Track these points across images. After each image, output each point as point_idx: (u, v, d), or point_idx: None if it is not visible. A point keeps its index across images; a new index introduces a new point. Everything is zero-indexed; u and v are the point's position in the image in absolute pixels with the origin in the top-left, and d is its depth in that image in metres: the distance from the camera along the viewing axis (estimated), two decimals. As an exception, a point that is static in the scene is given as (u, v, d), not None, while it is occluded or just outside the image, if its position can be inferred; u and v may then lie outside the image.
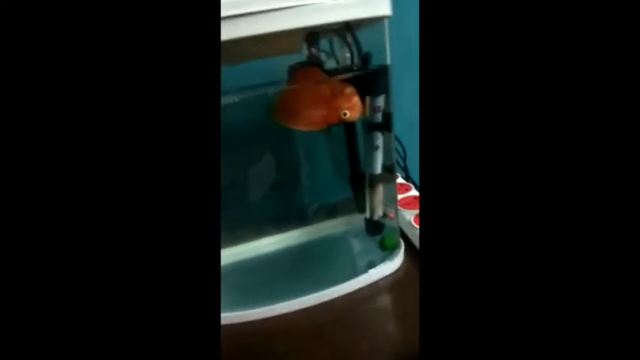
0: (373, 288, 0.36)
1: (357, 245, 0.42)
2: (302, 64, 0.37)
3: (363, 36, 0.37)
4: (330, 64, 0.40)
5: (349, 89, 0.32)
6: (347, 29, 0.36)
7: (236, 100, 0.32)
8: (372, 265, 0.38)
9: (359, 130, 0.39)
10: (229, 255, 0.40)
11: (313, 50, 0.38)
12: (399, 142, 0.55)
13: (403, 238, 0.42)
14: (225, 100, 0.31)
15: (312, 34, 0.37)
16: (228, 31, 0.26)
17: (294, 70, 0.38)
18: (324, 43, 0.40)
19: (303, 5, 0.27)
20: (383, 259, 0.38)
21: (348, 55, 0.40)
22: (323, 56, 0.40)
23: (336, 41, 0.41)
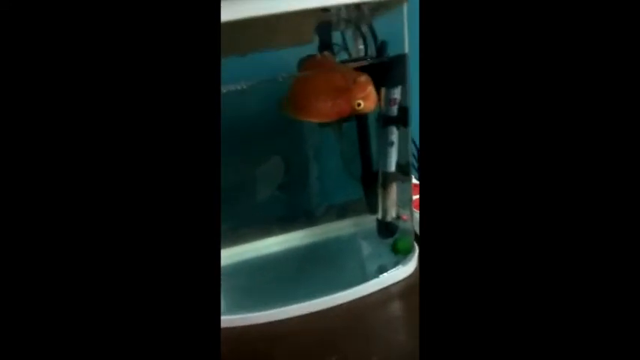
0: (384, 293, 0.35)
1: (367, 248, 0.41)
2: (313, 57, 0.36)
3: (379, 25, 0.35)
4: (343, 57, 0.38)
5: (363, 78, 0.30)
6: (362, 16, 0.34)
7: (244, 87, 0.30)
8: (383, 269, 0.36)
9: (371, 124, 0.37)
10: (232, 254, 0.39)
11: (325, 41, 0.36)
12: (412, 140, 0.53)
13: (417, 242, 0.40)
14: (233, 86, 0.30)
15: (324, 23, 0.36)
16: (235, 11, 0.25)
17: (304, 62, 0.36)
18: (336, 36, 0.39)
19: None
20: (395, 264, 0.37)
21: (361, 47, 0.38)
22: (335, 48, 0.38)
23: (349, 34, 0.39)
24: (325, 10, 0.35)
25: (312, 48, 0.37)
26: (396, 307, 0.34)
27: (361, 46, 0.38)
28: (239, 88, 0.30)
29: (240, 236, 0.41)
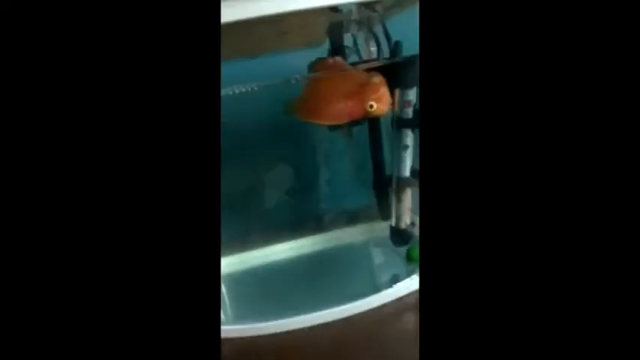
0: (398, 305, 0.33)
1: (380, 256, 0.39)
2: (324, 60, 0.35)
3: (393, 26, 0.34)
4: (354, 59, 0.37)
5: (377, 78, 0.29)
6: (374, 16, 0.33)
7: (255, 88, 0.29)
8: (397, 279, 0.35)
9: (384, 127, 0.36)
10: (239, 261, 0.38)
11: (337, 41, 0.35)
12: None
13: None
14: (243, 88, 0.29)
15: (335, 24, 0.35)
16: (243, 11, 0.24)
17: (315, 66, 0.35)
18: (348, 39, 0.38)
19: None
20: (409, 273, 0.35)
21: (374, 49, 0.37)
22: (347, 51, 0.37)
23: (361, 36, 0.38)
24: (336, 10, 0.34)
25: (322, 51, 0.36)
26: (410, 320, 0.32)
27: (373, 48, 0.37)
28: (249, 89, 0.29)
29: (247, 242, 0.40)
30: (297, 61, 0.37)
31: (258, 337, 0.31)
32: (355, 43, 0.38)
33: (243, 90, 0.29)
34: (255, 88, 0.29)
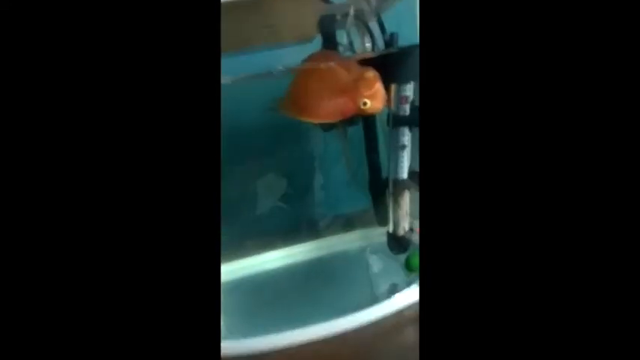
0: (398, 318, 0.31)
1: (377, 264, 0.38)
2: (316, 53, 0.33)
3: (388, 19, 0.33)
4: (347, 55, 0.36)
5: (371, 74, 0.27)
6: (368, 8, 0.31)
7: (239, 77, 0.27)
8: (395, 289, 0.33)
9: (380, 126, 0.35)
10: (228, 271, 0.36)
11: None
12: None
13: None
14: (228, 79, 0.27)
15: (327, 17, 0.33)
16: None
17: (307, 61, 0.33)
18: (340, 36, 0.36)
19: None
20: (409, 283, 0.34)
21: (368, 45, 0.36)
22: (340, 49, 0.36)
23: (355, 31, 0.37)
24: (327, 1, 0.33)
25: (313, 48, 0.34)
26: (410, 334, 0.30)
27: (368, 44, 0.36)
28: (229, 82, 0.27)
29: (238, 251, 0.38)
30: (287, 57, 0.35)
31: (247, 355, 0.29)
32: (349, 39, 0.37)
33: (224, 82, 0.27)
34: (241, 77, 0.28)
